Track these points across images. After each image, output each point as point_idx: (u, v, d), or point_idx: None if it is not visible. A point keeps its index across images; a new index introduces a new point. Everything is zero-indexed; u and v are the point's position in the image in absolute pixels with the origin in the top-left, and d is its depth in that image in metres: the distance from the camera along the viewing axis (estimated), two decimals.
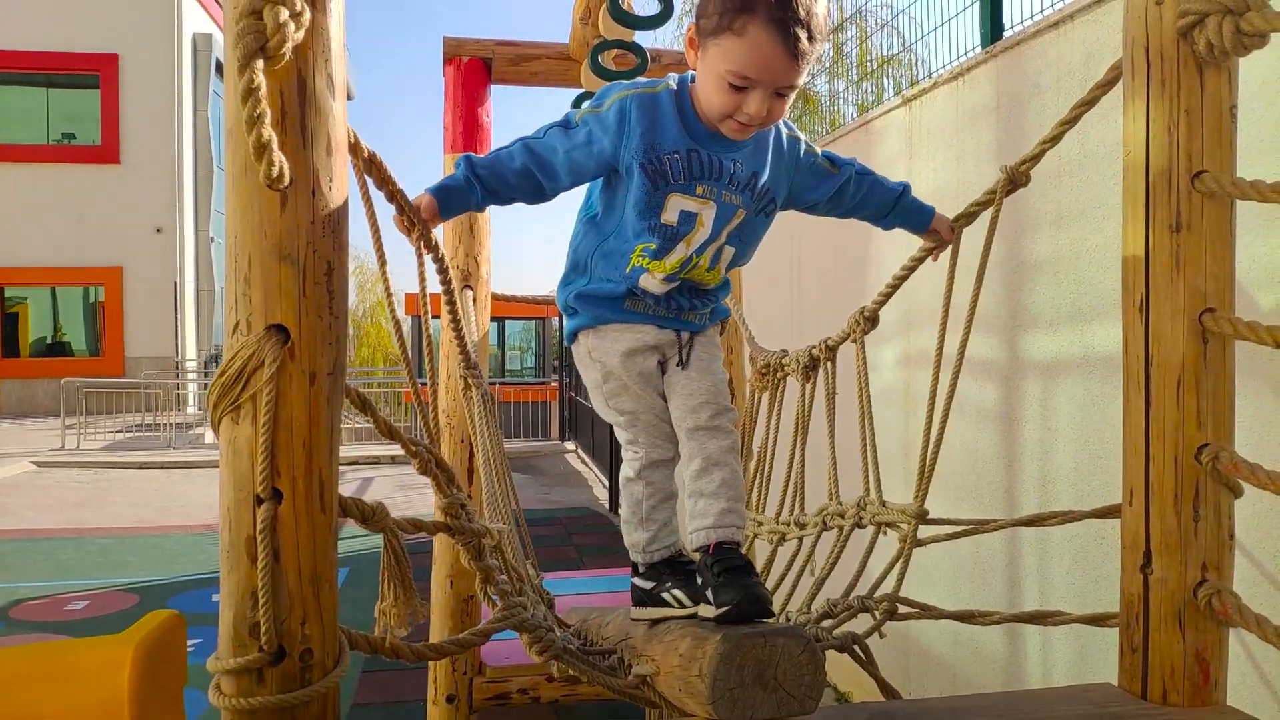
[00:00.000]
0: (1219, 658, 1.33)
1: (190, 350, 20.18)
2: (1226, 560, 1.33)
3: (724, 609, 1.40)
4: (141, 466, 12.55)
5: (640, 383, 1.68)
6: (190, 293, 20.39)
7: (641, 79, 1.65)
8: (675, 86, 1.58)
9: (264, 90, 1.06)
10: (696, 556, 1.59)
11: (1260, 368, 2.07)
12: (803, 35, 1.41)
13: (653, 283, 1.63)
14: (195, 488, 10.95)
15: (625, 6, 2.39)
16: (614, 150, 1.57)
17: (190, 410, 17.73)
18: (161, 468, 12.51)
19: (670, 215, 1.58)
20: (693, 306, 1.68)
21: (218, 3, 21.31)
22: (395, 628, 1.27)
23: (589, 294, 1.68)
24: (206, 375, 18.26)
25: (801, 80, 1.47)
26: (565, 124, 1.61)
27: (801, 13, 1.40)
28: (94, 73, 19.36)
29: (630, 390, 1.68)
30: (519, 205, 1.71)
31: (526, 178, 1.62)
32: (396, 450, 13.25)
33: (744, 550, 1.60)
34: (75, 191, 19.01)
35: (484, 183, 1.61)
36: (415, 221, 1.58)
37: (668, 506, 1.69)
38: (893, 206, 1.83)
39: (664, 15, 2.51)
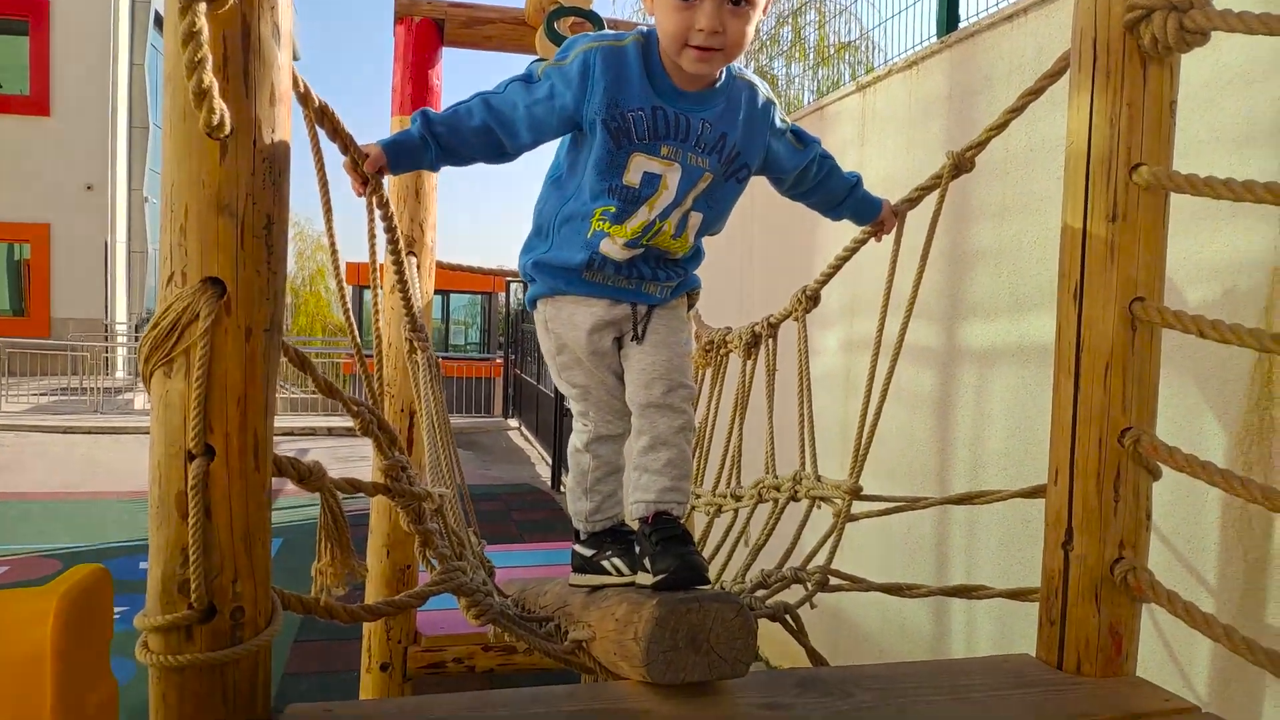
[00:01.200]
0: (1131, 631, 1.38)
1: (121, 313, 19.57)
2: (1143, 539, 1.39)
3: (660, 576, 1.42)
4: (67, 431, 12.17)
5: (593, 360, 1.65)
6: (122, 254, 19.73)
7: (609, 31, 1.59)
8: (644, 40, 1.51)
9: (206, 34, 1.03)
10: (635, 526, 1.60)
11: (1184, 361, 2.14)
12: None
13: (614, 248, 1.56)
14: (124, 453, 10.67)
15: None
16: (576, 105, 1.50)
17: (119, 375, 17.20)
18: (88, 433, 12.14)
19: (633, 176, 1.52)
20: (655, 277, 1.62)
21: None
22: (332, 587, 1.26)
23: (546, 263, 1.63)
24: (137, 339, 17.73)
25: None
26: (527, 78, 1.54)
27: None
28: (23, 19, 18.52)
29: (583, 365, 1.66)
30: (477, 166, 1.62)
31: (486, 135, 1.54)
32: (333, 422, 13.09)
33: (683, 522, 1.61)
34: (1, 142, 18.23)
35: (440, 140, 1.53)
36: (367, 176, 1.53)
37: (613, 479, 1.70)
38: (845, 196, 1.82)
39: None
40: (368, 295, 13.08)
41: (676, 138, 1.51)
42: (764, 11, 1.47)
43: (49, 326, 18.59)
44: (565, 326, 1.65)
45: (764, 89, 1.61)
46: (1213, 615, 1.26)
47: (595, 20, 2.59)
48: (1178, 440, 1.41)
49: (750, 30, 1.46)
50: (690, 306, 1.78)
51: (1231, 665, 1.98)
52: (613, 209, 1.54)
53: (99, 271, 18.87)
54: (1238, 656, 1.21)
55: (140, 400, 14.15)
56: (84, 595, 0.95)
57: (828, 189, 1.79)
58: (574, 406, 1.72)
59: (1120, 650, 1.36)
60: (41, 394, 14.91)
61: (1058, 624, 1.40)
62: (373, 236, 1.66)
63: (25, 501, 8.05)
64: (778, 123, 1.63)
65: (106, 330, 18.61)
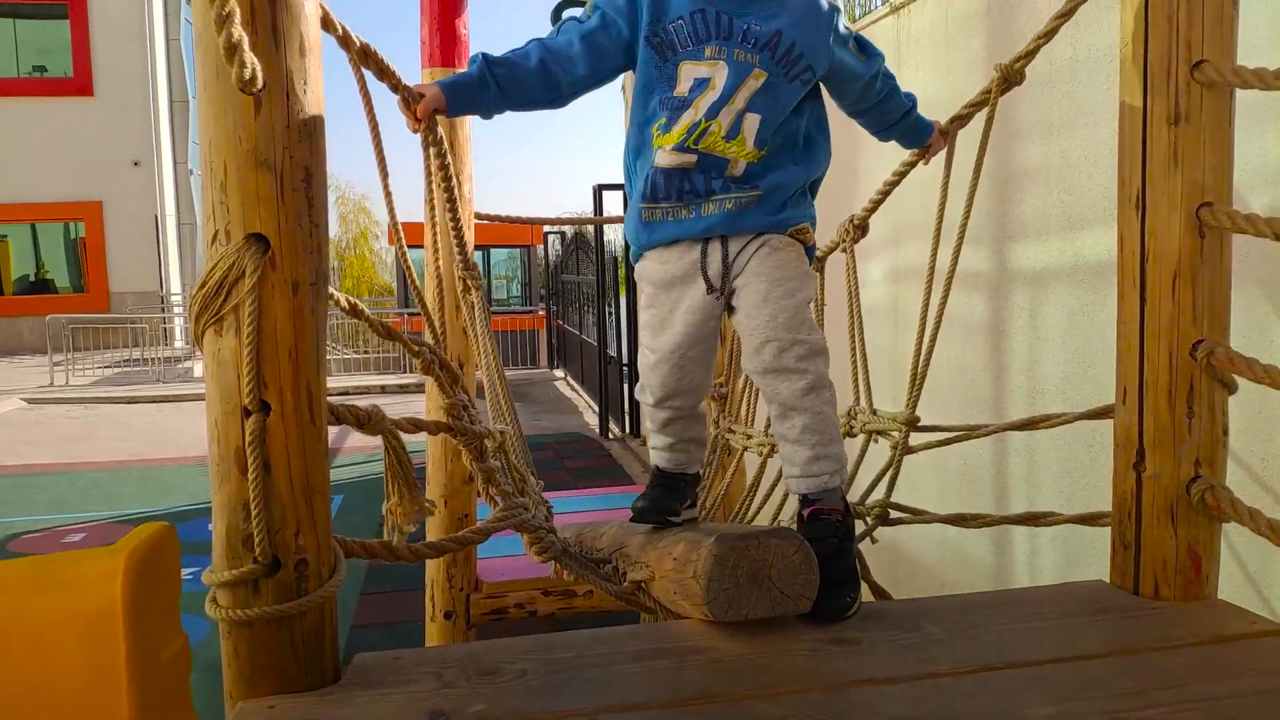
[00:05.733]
0: (1210, 553, 1.34)
1: (175, 284, 19.97)
2: (1220, 456, 1.34)
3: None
4: (132, 401, 12.52)
5: (656, 318, 1.57)
6: (172, 226, 20.09)
7: None
8: None
9: None
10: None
11: (1253, 270, 2.06)
12: None
13: (665, 157, 1.49)
14: (187, 420, 10.95)
15: None
16: (631, 34, 1.50)
17: (178, 344, 17.61)
18: (152, 401, 12.48)
19: (683, 86, 1.48)
20: (711, 190, 1.48)
21: None
22: (403, 525, 1.27)
23: (629, 217, 1.59)
24: None
25: None
26: (580, 17, 1.55)
27: None
28: (62, 2, 18.73)
29: (653, 319, 1.58)
30: (515, 116, 1.61)
31: (543, 74, 1.52)
32: (387, 380, 13.29)
33: (825, 488, 1.47)
34: (50, 125, 18.55)
35: (499, 80, 1.51)
36: (421, 114, 1.53)
37: (660, 437, 1.66)
38: (900, 117, 1.75)
39: None
40: (413, 256, 13.13)
41: (719, 36, 1.46)
42: None
43: (108, 301, 19.06)
44: (644, 278, 1.60)
45: None
46: None
47: None
48: (1244, 350, 1.34)
49: None
50: (810, 254, 1.58)
51: None
52: (663, 120, 1.50)
53: (151, 245, 19.25)
54: None
55: (199, 368, 14.49)
56: (151, 552, 0.97)
57: (887, 107, 1.71)
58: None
59: (1199, 572, 1.32)
60: (106, 366, 15.34)
61: (1132, 547, 1.36)
62: (429, 174, 1.66)
63: (96, 470, 8.33)
64: (842, 29, 1.55)
65: (162, 302, 19.02)
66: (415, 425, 1.31)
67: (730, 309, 1.54)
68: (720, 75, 1.46)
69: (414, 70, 3.10)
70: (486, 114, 1.58)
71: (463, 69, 2.96)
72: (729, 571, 1.24)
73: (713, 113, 1.46)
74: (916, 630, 1.27)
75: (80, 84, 18.92)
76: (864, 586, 1.82)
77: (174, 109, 20.20)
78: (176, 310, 18.82)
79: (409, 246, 1.67)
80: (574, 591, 3.13)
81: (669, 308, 1.56)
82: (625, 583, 1.51)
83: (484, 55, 1.53)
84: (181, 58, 20.12)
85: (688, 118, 1.47)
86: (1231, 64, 1.29)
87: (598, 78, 1.55)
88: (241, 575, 1.09)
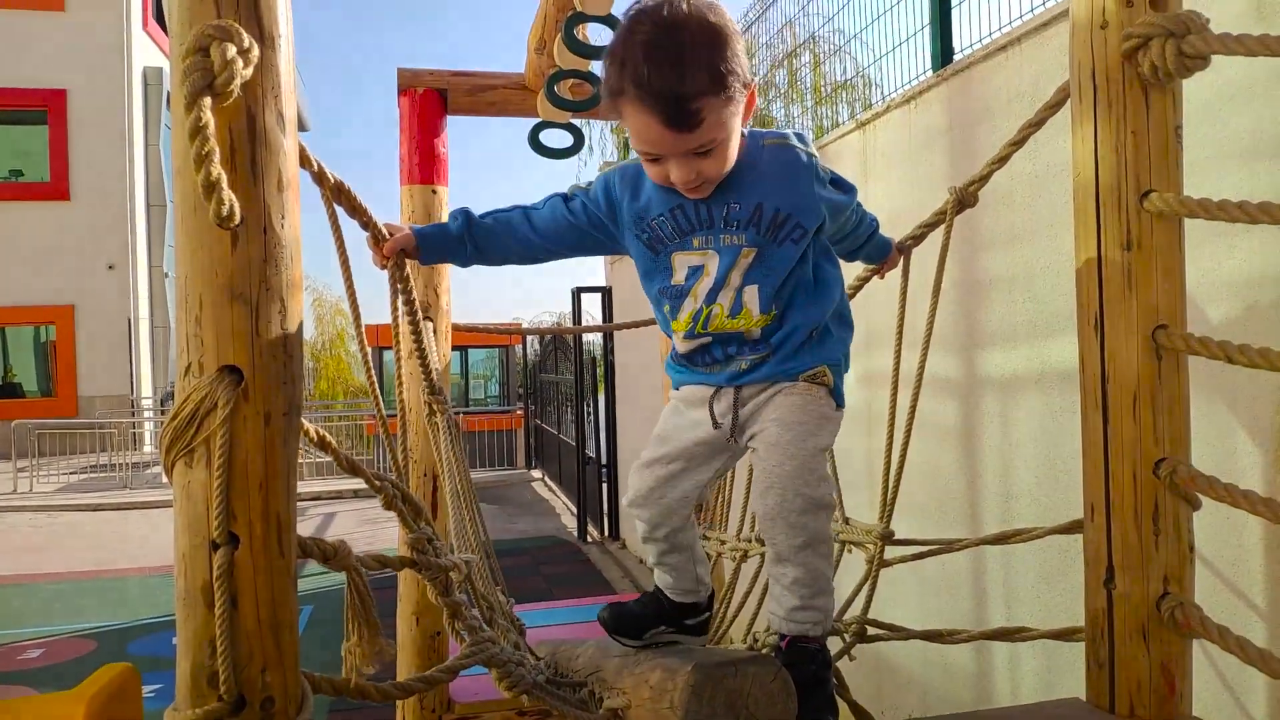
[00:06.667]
0: (1183, 670, 1.34)
1: (146, 388, 19.78)
2: (1187, 573, 1.35)
3: None
4: (97, 508, 12.25)
5: (662, 426, 1.61)
6: (145, 329, 20.02)
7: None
8: None
9: (212, 128, 1.04)
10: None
11: (1213, 379, 2.11)
12: (674, 106, 1.30)
13: (680, 343, 1.57)
14: (153, 528, 10.71)
15: (580, 37, 2.40)
16: (614, 224, 1.57)
17: (147, 449, 17.32)
18: (117, 509, 12.21)
19: (679, 275, 1.52)
20: (729, 355, 1.53)
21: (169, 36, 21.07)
22: (361, 667, 1.25)
23: (669, 359, 1.66)
24: (163, 413, 17.87)
25: (717, 135, 1.36)
26: (564, 195, 1.62)
27: (668, 78, 1.28)
28: (42, 109, 19.04)
29: (657, 429, 1.63)
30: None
31: (523, 243, 1.62)
32: (360, 484, 13.07)
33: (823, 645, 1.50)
34: (24, 229, 18.61)
35: (477, 242, 1.60)
36: (387, 253, 1.58)
37: (646, 544, 1.66)
38: (866, 240, 1.81)
39: None
40: (387, 355, 13.15)
41: (703, 227, 1.49)
42: (747, 113, 1.42)
43: (76, 405, 18.81)
44: (676, 396, 1.64)
45: (801, 147, 1.52)
46: (1269, 651, 1.22)
47: (594, 81, 2.62)
48: (1209, 460, 1.38)
49: (729, 153, 1.42)
50: (836, 396, 1.55)
51: None
52: (668, 307, 1.55)
53: (123, 348, 19.12)
54: None
55: None
56: (112, 698, 0.94)
57: (858, 232, 1.77)
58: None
59: (1174, 690, 1.32)
60: (71, 472, 15.04)
61: (1106, 666, 1.36)
62: (395, 310, 1.68)
63: (58, 582, 8.08)
64: (821, 173, 1.55)
65: (133, 406, 18.79)
66: (381, 562, 1.30)
67: (753, 450, 1.55)
68: (712, 262, 1.49)
69: (393, 186, 3.17)
70: (462, 265, 1.66)
71: (440, 185, 3.04)
72: (706, 702, 1.22)
73: (711, 298, 1.50)
74: None
75: (57, 188, 19.06)
76: (844, 706, 1.79)
77: (151, 212, 20.34)
78: (146, 414, 18.59)
79: (384, 348, 1.70)
80: (549, 712, 3.05)
81: (677, 420, 1.61)
82: (601, 710, 1.48)
83: (466, 215, 1.61)
84: (160, 162, 20.37)
85: (689, 306, 1.52)
86: (1178, 194, 1.35)
87: (578, 251, 1.66)
88: (205, 714, 1.06)
